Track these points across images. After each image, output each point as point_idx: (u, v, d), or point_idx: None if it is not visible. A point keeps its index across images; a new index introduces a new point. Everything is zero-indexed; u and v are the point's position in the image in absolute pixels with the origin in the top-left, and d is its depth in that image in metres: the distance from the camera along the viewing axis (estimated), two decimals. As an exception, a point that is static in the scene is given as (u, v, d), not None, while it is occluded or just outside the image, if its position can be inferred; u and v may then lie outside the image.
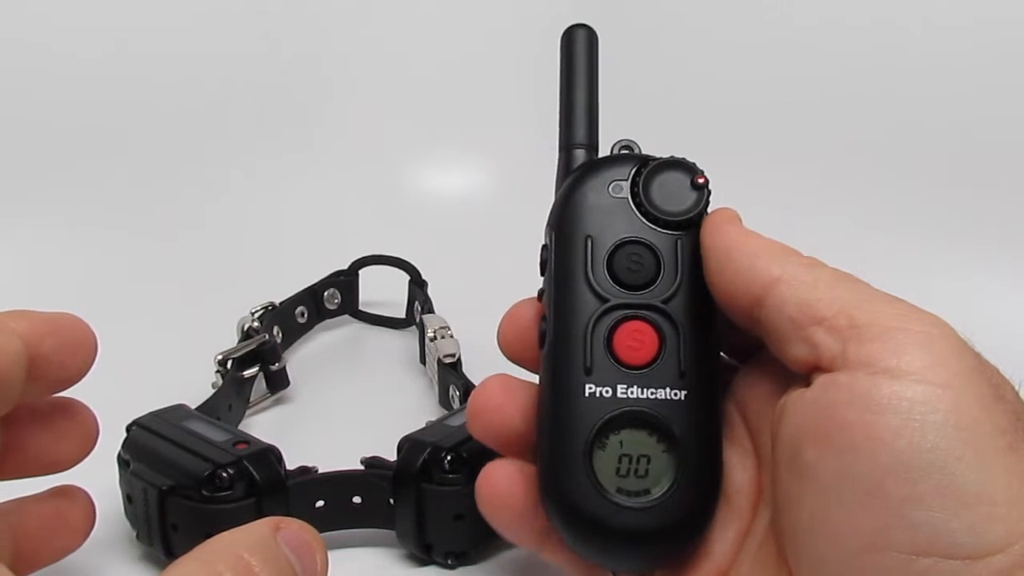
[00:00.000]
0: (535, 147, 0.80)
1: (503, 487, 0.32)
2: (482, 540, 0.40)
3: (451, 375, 0.50)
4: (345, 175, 0.80)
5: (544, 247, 0.33)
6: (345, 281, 0.62)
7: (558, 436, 0.31)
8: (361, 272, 0.62)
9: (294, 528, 0.24)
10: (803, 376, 0.29)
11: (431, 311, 0.58)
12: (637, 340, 0.31)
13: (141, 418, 0.41)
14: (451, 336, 0.53)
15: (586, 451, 0.30)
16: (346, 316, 0.63)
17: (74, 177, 0.74)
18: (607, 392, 0.30)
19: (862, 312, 0.28)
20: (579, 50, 0.35)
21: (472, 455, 0.38)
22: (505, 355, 0.34)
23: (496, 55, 0.82)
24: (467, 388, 0.48)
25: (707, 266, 0.31)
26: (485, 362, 0.51)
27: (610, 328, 0.31)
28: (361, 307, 0.63)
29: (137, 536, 0.40)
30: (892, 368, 0.26)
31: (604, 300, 0.31)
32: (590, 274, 0.31)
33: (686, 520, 0.30)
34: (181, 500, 0.37)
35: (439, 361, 0.51)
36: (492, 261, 0.70)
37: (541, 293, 0.33)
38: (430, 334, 0.54)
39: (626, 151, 0.33)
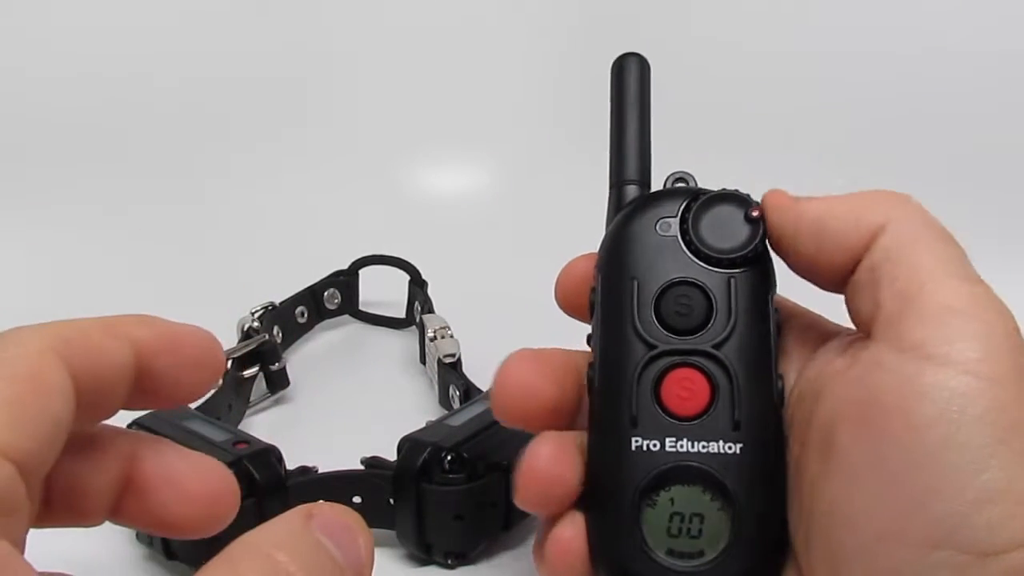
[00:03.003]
0: (537, 146, 0.81)
1: (568, 542, 0.29)
2: (482, 540, 0.40)
3: (451, 375, 0.50)
4: (345, 175, 0.80)
5: (592, 289, 0.31)
6: (345, 281, 0.62)
7: (605, 493, 0.29)
8: (361, 272, 0.62)
9: (329, 513, 0.21)
10: (844, 353, 0.28)
11: (431, 311, 0.58)
12: (686, 389, 0.29)
13: (141, 417, 0.41)
14: (451, 336, 0.53)
15: (634, 509, 0.28)
16: (346, 316, 0.63)
17: (74, 177, 0.74)
18: (655, 445, 0.28)
19: (934, 284, 0.27)
20: (630, 80, 0.33)
21: (472, 455, 0.38)
22: (561, 307, 0.33)
23: (496, 54, 0.82)
24: (467, 388, 0.48)
25: (802, 248, 0.29)
26: (485, 362, 0.52)
27: (657, 376, 0.29)
28: (361, 307, 0.63)
29: (137, 536, 0.40)
30: (941, 355, 0.26)
31: (651, 347, 0.29)
32: (636, 319, 0.29)
33: None
34: (181, 500, 0.37)
35: (439, 361, 0.51)
36: (493, 261, 0.70)
37: (589, 338, 0.31)
38: (430, 334, 0.54)
39: (680, 183, 0.32)
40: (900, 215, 0.28)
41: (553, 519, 0.30)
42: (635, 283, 0.30)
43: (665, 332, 0.29)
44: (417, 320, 0.58)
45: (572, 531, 0.29)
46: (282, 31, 0.81)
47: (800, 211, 0.29)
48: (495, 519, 0.40)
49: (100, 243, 0.71)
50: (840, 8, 0.76)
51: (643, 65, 0.33)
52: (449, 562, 0.39)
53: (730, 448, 0.28)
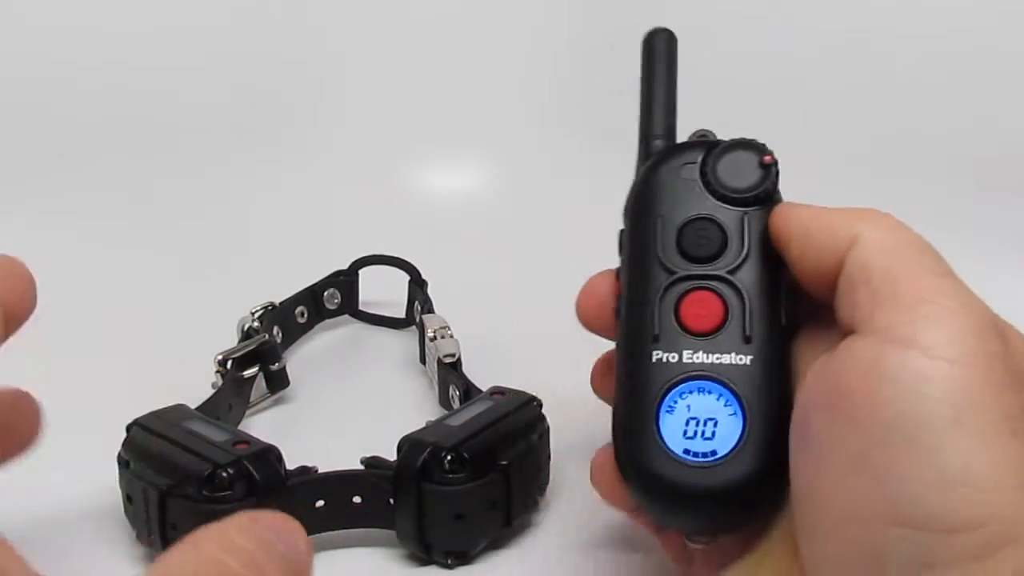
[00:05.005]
0: (538, 147, 0.81)
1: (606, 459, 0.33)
2: (482, 540, 0.40)
3: (451, 375, 0.50)
4: (345, 175, 0.80)
5: (621, 231, 0.34)
6: (345, 281, 0.62)
7: (628, 401, 0.32)
8: (361, 272, 0.62)
9: (270, 517, 0.24)
10: (838, 342, 0.29)
11: (431, 311, 0.58)
12: (703, 308, 0.32)
13: (141, 418, 0.41)
14: (451, 336, 0.53)
15: (654, 415, 0.31)
16: (346, 316, 0.62)
17: (73, 177, 0.74)
18: (673, 358, 0.31)
19: (907, 281, 0.28)
20: (660, 49, 0.37)
21: (473, 454, 0.38)
22: (583, 325, 0.36)
23: (497, 53, 0.82)
24: (467, 388, 0.48)
25: (789, 249, 0.31)
26: (485, 362, 0.52)
27: (678, 299, 0.32)
28: (361, 307, 0.63)
29: (137, 536, 0.40)
30: (904, 338, 0.26)
31: (671, 273, 0.32)
32: (659, 251, 0.33)
33: (752, 480, 0.30)
34: (181, 500, 0.37)
35: (439, 361, 0.51)
36: (492, 261, 0.70)
37: (618, 272, 0.34)
38: (430, 334, 0.54)
39: (701, 138, 0.35)
40: (872, 227, 0.29)
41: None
42: (660, 220, 0.33)
43: (685, 261, 0.32)
44: (417, 320, 0.58)
45: (606, 453, 0.33)
46: (284, 32, 0.81)
47: (790, 215, 0.32)
48: (496, 518, 0.40)
49: (99, 243, 0.71)
50: None
51: (671, 38, 0.37)
52: (449, 562, 0.39)
53: (741, 359, 0.31)
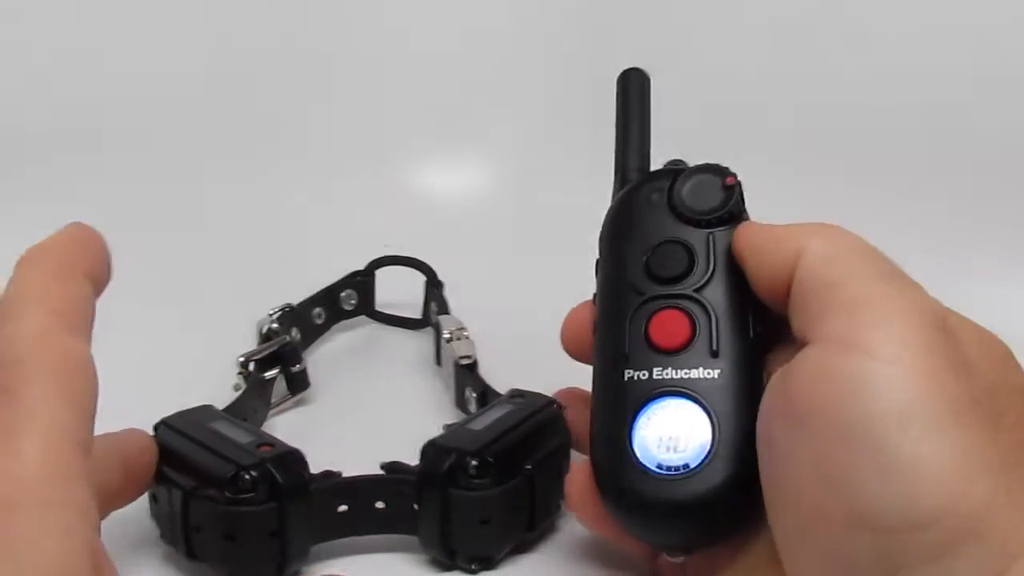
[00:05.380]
0: (555, 147, 0.80)
1: (580, 480, 0.34)
2: (506, 544, 0.40)
3: (468, 377, 0.50)
4: (360, 176, 0.80)
5: (597, 260, 0.36)
6: (362, 282, 0.62)
7: (602, 420, 0.33)
8: (377, 273, 0.62)
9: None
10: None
11: (447, 312, 0.58)
12: (671, 326, 0.33)
13: (168, 418, 0.41)
14: (467, 338, 0.53)
15: (627, 432, 0.32)
16: (362, 317, 0.62)
17: (90, 178, 0.74)
18: (644, 375, 0.32)
19: (853, 286, 0.29)
20: (634, 88, 0.39)
21: (498, 459, 0.38)
22: (568, 353, 0.37)
23: (510, 52, 0.82)
24: (484, 390, 0.48)
25: (747, 270, 0.33)
26: (500, 364, 0.52)
27: (647, 318, 0.33)
28: (377, 308, 0.63)
29: (161, 536, 0.40)
30: (846, 341, 0.27)
31: (641, 294, 0.34)
32: (630, 275, 0.34)
33: (723, 491, 0.31)
34: (204, 501, 0.37)
35: (455, 363, 0.51)
36: (507, 263, 0.70)
37: (595, 298, 0.36)
38: (446, 335, 0.54)
39: (672, 166, 0.36)
40: (816, 239, 0.30)
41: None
42: (630, 246, 0.35)
43: (653, 283, 0.34)
44: (433, 321, 0.58)
45: (583, 471, 0.34)
46: (292, 34, 0.80)
47: (745, 233, 0.33)
48: (520, 523, 0.40)
49: (114, 245, 0.71)
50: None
51: (644, 76, 0.39)
52: (473, 567, 0.39)
53: (709, 373, 0.32)
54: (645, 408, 0.32)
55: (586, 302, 0.37)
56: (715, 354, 0.32)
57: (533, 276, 0.66)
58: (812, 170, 0.73)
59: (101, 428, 0.39)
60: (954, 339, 0.27)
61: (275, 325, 0.54)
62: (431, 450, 0.39)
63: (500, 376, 0.48)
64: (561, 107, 0.80)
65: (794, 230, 0.31)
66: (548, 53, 0.81)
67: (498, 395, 0.46)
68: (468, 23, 0.82)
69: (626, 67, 0.40)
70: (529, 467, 0.39)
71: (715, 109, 0.76)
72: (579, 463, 0.35)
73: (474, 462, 0.38)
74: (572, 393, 0.40)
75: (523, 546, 0.41)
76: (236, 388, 0.49)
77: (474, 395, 0.49)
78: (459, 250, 0.68)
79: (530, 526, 0.40)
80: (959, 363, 0.27)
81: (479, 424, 0.41)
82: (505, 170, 0.80)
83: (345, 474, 0.40)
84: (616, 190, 0.38)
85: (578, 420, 0.37)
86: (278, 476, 0.38)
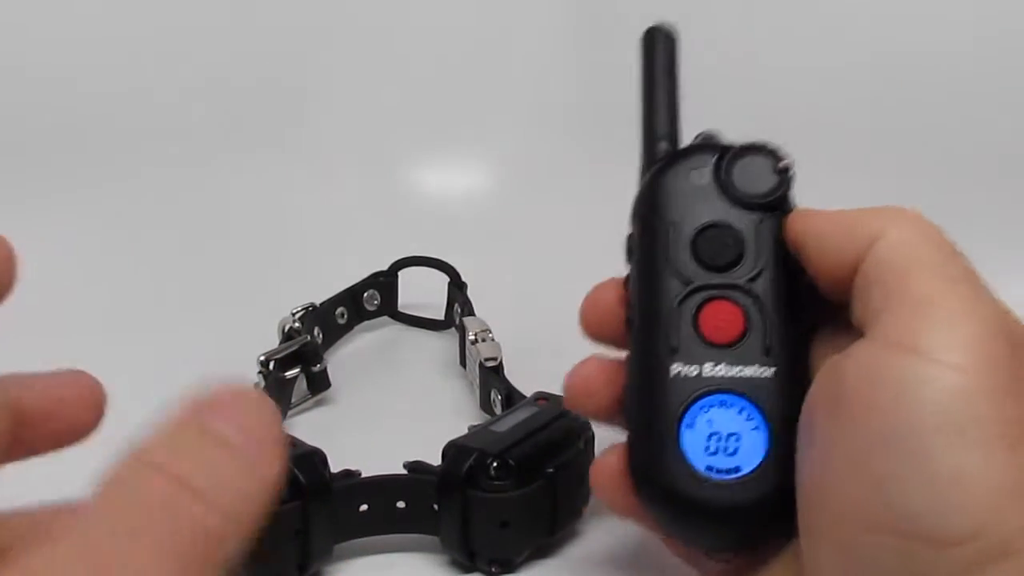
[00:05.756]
0: (574, 148, 0.80)
1: (610, 466, 0.32)
2: (526, 547, 0.39)
3: (493, 379, 0.50)
4: (382, 178, 0.79)
5: (629, 236, 0.34)
6: (385, 282, 0.62)
7: (646, 417, 0.31)
8: (400, 273, 0.62)
9: (221, 396, 0.19)
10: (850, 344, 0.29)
11: (471, 313, 0.58)
12: (723, 319, 0.31)
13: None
14: (492, 339, 0.53)
15: (675, 431, 0.30)
16: (385, 317, 0.62)
17: (110, 178, 0.74)
18: (693, 371, 0.31)
19: (919, 281, 0.27)
20: (660, 48, 0.36)
21: (519, 461, 0.38)
22: (587, 335, 0.35)
23: (505, 52, 0.81)
24: (509, 392, 0.48)
25: (808, 258, 0.31)
26: (524, 365, 0.51)
27: (695, 309, 0.31)
28: (400, 308, 0.63)
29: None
30: (907, 343, 0.26)
31: (689, 283, 0.32)
32: (674, 259, 0.32)
33: (776, 496, 0.30)
34: (225, 501, 0.37)
35: (480, 365, 0.51)
36: (529, 264, 0.69)
37: (627, 280, 0.34)
38: (471, 337, 0.53)
39: (708, 141, 0.34)
40: (894, 225, 0.29)
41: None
42: (672, 227, 0.32)
43: (701, 270, 0.32)
44: (457, 322, 0.58)
45: (614, 457, 0.32)
46: (307, 35, 0.80)
47: (807, 219, 0.31)
48: (540, 526, 0.39)
49: (139, 245, 0.71)
50: None
51: (671, 34, 0.36)
52: (493, 570, 0.39)
53: (762, 372, 0.31)
54: (695, 406, 0.30)
55: (608, 281, 0.34)
56: (768, 351, 0.31)
57: (549, 277, 0.65)
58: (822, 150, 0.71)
59: (120, 428, 0.40)
60: (1020, 354, 0.26)
61: (297, 324, 0.54)
62: (452, 450, 0.39)
63: (525, 377, 0.48)
64: (567, 106, 0.79)
65: (869, 214, 0.30)
66: (553, 50, 0.80)
67: (523, 397, 0.46)
68: (494, 28, 0.82)
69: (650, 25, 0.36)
70: (551, 470, 0.39)
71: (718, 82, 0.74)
72: (608, 448, 0.33)
73: (494, 464, 0.38)
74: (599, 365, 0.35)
75: (544, 550, 0.40)
76: (257, 387, 0.48)
77: (499, 397, 0.49)
78: (476, 251, 0.67)
79: (551, 530, 0.40)
80: (1019, 380, 0.26)
81: (502, 426, 0.41)
82: (519, 169, 0.79)
83: (365, 474, 0.40)
84: (644, 161, 0.35)
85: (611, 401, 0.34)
86: (300, 475, 0.38)
